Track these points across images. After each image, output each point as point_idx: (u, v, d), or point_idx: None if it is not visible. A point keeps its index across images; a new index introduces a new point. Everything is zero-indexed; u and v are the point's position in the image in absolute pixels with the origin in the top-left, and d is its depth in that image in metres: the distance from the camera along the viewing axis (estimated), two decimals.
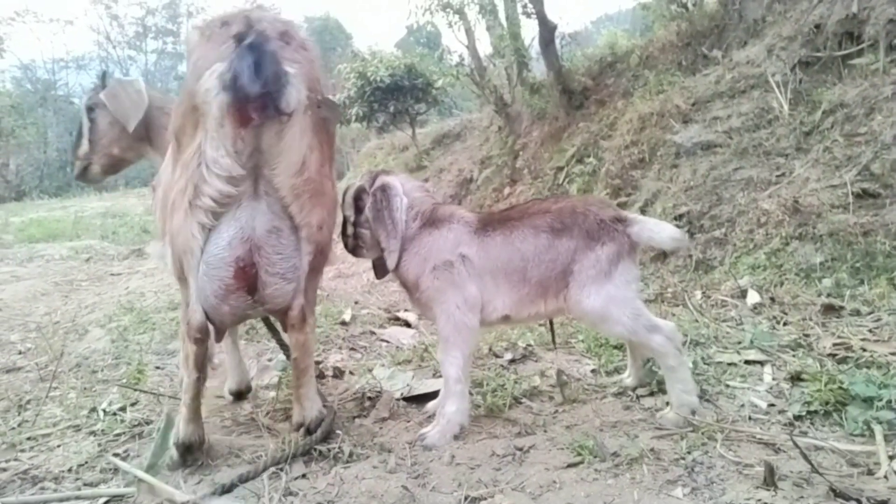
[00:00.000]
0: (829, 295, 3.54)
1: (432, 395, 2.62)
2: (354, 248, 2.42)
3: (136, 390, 2.94)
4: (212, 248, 1.99)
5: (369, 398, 2.71)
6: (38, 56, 37.61)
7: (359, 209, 2.37)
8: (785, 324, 3.28)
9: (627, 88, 8.06)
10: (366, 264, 6.72)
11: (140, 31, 42.91)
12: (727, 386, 2.49)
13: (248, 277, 2.03)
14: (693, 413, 2.17)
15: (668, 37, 8.08)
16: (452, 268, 2.23)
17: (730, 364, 2.71)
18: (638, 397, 2.44)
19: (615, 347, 2.98)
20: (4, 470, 2.19)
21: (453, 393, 2.24)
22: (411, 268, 2.30)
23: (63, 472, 2.16)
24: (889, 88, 4.57)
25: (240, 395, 2.87)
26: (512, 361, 3.09)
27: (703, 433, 2.04)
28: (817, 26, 5.70)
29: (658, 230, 2.19)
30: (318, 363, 3.30)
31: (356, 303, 4.88)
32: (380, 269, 2.49)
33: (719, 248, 4.84)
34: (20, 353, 3.93)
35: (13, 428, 2.59)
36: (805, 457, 1.72)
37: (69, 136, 32.28)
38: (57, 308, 5.15)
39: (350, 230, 2.40)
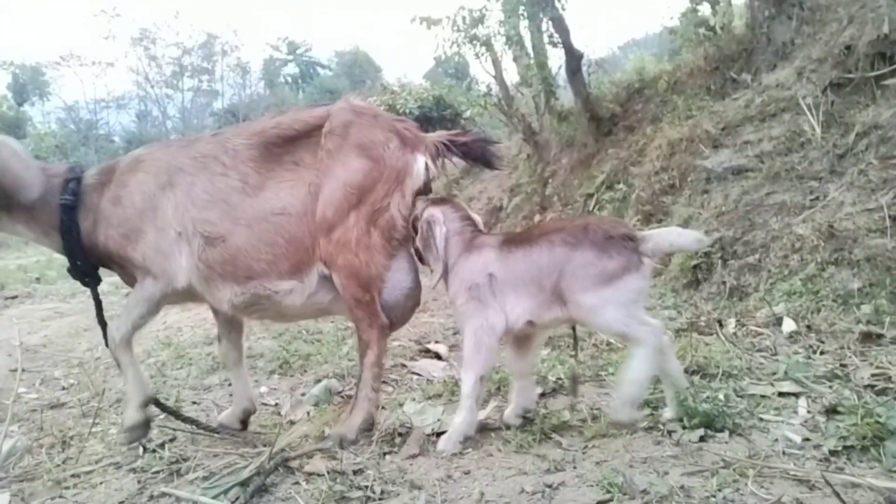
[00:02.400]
0: (867, 322, 3.46)
1: None
2: (422, 262, 2.87)
3: (173, 429, 3.01)
4: (400, 271, 2.82)
5: (400, 434, 2.72)
6: (81, 97, 38.93)
7: (415, 231, 2.79)
8: (821, 353, 3.21)
9: (656, 114, 8.05)
10: None
11: (177, 71, 44.39)
12: (760, 419, 2.44)
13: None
14: (635, 407, 2.41)
15: (696, 61, 8.07)
16: (480, 289, 2.56)
17: (763, 396, 2.66)
18: (669, 432, 2.41)
19: None
20: None
21: (463, 407, 2.54)
22: (452, 287, 2.68)
23: None
24: None
25: (244, 422, 3.09)
26: (542, 395, 3.08)
27: (734, 469, 2.01)
28: (848, 47, 5.64)
29: (678, 235, 2.45)
30: (350, 397, 3.34)
31: None
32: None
33: (753, 275, 4.78)
34: (63, 388, 4.06)
35: (58, 465, 2.67)
36: (838, 495, 1.69)
37: None
38: (98, 344, 5.27)
39: (417, 245, 2.83)
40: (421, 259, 2.85)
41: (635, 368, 2.37)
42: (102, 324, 2.98)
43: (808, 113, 5.48)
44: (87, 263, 2.87)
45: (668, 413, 2.54)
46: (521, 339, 2.73)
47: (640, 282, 2.38)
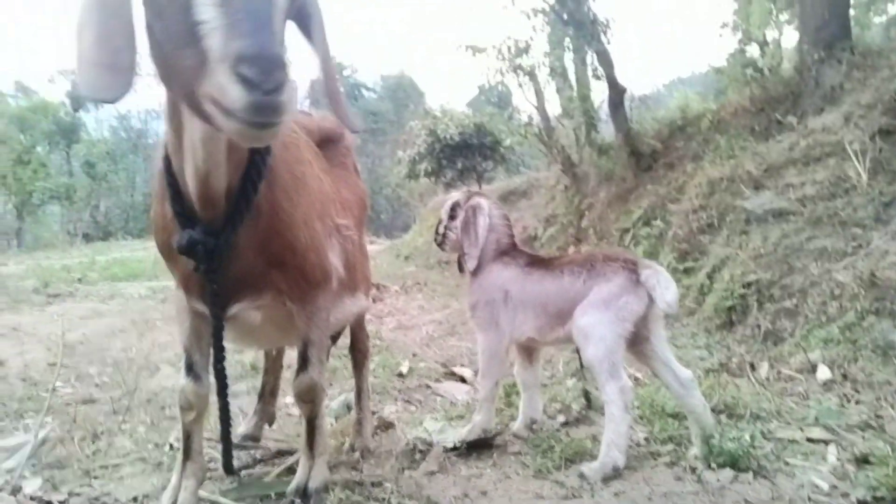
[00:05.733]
0: None
1: (483, 448, 2.70)
2: (440, 244, 3.05)
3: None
4: None
5: (420, 451, 2.73)
6: (134, 107, 40.01)
7: (452, 217, 2.97)
8: (856, 402, 3.13)
9: (697, 152, 8.00)
10: (426, 318, 6.83)
11: None
12: (786, 463, 2.39)
13: None
14: (615, 470, 2.34)
15: (741, 101, 8.02)
16: (495, 305, 2.78)
17: (791, 441, 2.60)
18: (691, 468, 2.37)
19: (670, 416, 2.91)
20: (78, 495, 2.33)
21: (482, 408, 2.81)
22: (472, 293, 2.87)
23: (129, 500, 2.29)
24: None
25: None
26: (565, 424, 3.06)
27: None
28: None
29: (663, 286, 2.46)
30: (373, 413, 3.36)
31: (414, 355, 4.94)
32: (461, 266, 3.03)
33: (790, 320, 4.67)
34: (97, 385, 4.16)
35: (88, 456, 2.75)
36: None
37: None
38: (132, 345, 5.42)
39: (441, 230, 3.02)
40: (440, 245, 3.03)
41: (609, 432, 2.41)
42: (219, 346, 2.05)
43: (854, 159, 5.39)
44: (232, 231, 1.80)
45: (693, 451, 2.50)
46: (527, 351, 2.93)
47: (638, 305, 2.48)
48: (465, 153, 13.30)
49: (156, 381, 4.19)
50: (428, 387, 4.04)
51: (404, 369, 4.37)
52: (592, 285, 2.55)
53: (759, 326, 4.81)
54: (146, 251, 15.66)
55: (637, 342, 2.55)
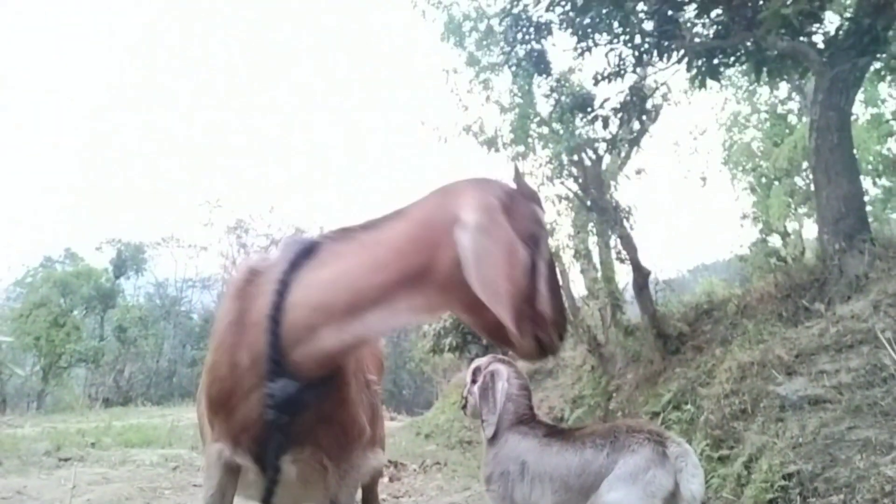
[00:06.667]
0: None
1: None
2: (463, 407, 3.05)
3: None
4: None
5: None
6: (172, 275, 41.37)
7: (473, 381, 2.97)
8: None
9: (725, 336, 7.93)
10: (444, 500, 6.46)
11: None
12: None
13: None
14: None
15: (767, 288, 8.07)
16: (510, 477, 2.67)
17: None
18: None
19: None
20: None
21: None
22: (487, 464, 2.78)
23: None
24: None
25: None
26: None
27: None
28: None
29: (689, 472, 2.35)
30: None
31: None
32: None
33: None
34: None
35: None
36: None
37: (182, 349, 34.75)
38: None
39: (465, 393, 3.02)
40: (463, 408, 3.03)
41: None
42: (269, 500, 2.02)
43: (888, 347, 5.28)
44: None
45: None
46: None
47: (667, 480, 2.35)
48: None
49: None
50: None
51: None
52: (617, 458, 2.43)
53: None
54: (163, 418, 15.44)
55: None
